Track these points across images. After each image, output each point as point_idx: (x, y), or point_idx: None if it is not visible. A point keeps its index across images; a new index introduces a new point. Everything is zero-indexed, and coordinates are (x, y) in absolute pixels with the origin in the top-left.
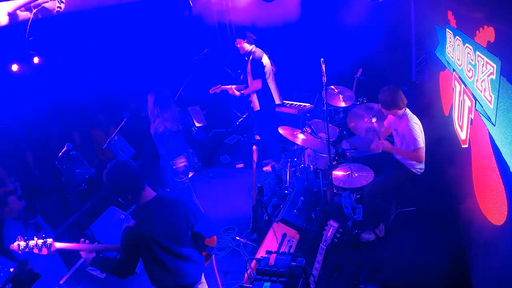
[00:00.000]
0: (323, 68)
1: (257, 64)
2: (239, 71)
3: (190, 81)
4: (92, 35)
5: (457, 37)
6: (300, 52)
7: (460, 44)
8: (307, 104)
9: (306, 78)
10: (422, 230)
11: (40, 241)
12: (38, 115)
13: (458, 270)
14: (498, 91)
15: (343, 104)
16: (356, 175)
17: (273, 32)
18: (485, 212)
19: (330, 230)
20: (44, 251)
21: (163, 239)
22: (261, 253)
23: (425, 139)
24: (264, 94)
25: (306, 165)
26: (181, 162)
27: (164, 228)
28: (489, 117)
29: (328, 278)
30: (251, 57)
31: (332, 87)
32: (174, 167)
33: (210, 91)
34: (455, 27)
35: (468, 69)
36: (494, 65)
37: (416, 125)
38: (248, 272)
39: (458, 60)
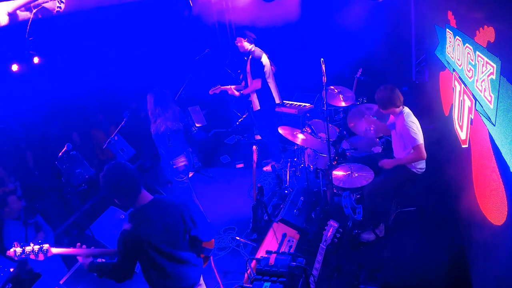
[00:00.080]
0: (323, 68)
1: (257, 63)
2: (239, 71)
3: (190, 81)
4: (92, 35)
5: (457, 37)
6: (300, 52)
7: (460, 44)
8: (307, 104)
9: (306, 78)
10: (422, 230)
11: (36, 247)
12: (38, 115)
13: (458, 270)
14: (498, 91)
15: (343, 104)
16: (356, 175)
17: (273, 32)
18: (485, 212)
19: (330, 230)
20: (41, 257)
21: (160, 243)
22: (261, 253)
23: (425, 139)
24: (264, 93)
25: (306, 165)
26: (181, 162)
27: (161, 231)
28: (489, 117)
29: (328, 278)
30: (250, 56)
31: (332, 87)
32: (174, 166)
33: (210, 92)
34: (455, 27)
35: (468, 69)
36: (494, 65)
37: (413, 123)
38: (248, 272)
39: (458, 60)
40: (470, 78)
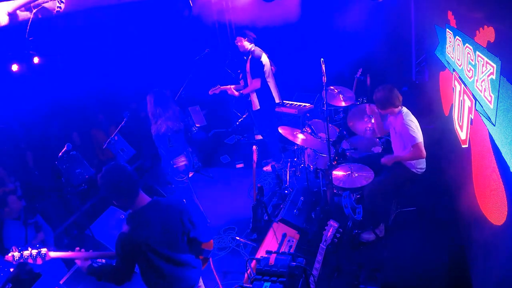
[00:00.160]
0: (323, 68)
1: (257, 63)
2: (239, 71)
3: (190, 81)
4: (92, 35)
5: (457, 37)
6: (300, 52)
7: (460, 44)
8: (307, 104)
9: (306, 78)
10: (422, 230)
11: (34, 251)
12: (38, 115)
13: (458, 270)
14: (498, 91)
15: (343, 104)
16: (356, 175)
17: (273, 32)
18: (485, 212)
19: (330, 230)
20: (39, 261)
21: (159, 245)
22: (261, 253)
23: (425, 139)
24: (263, 93)
25: (306, 165)
26: (181, 161)
27: (159, 233)
28: (489, 117)
29: (328, 278)
30: (250, 56)
31: (332, 87)
32: (174, 166)
33: (210, 92)
34: (455, 27)
35: (468, 69)
36: (494, 65)
37: (412, 122)
38: (248, 272)
39: (458, 60)
40: (470, 78)
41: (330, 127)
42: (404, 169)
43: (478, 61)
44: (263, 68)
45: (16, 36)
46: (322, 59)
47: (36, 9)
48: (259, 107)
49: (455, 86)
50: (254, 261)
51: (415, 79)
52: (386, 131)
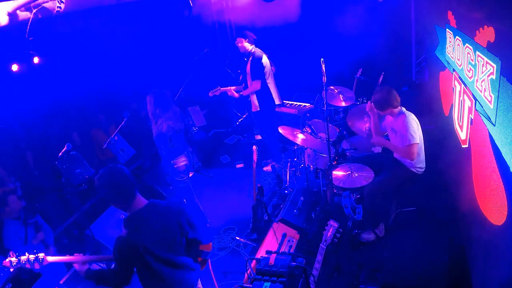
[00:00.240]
0: (323, 68)
1: (257, 64)
2: (239, 71)
3: (190, 81)
4: (92, 35)
5: (457, 37)
6: (300, 52)
7: (460, 44)
8: (307, 104)
9: (306, 78)
10: (422, 230)
11: (32, 256)
12: (38, 115)
13: (458, 270)
14: (498, 91)
15: (343, 104)
16: (356, 175)
17: (273, 32)
18: (485, 212)
19: (330, 230)
20: (36, 266)
21: (157, 248)
22: (261, 253)
23: (425, 139)
24: (263, 94)
25: (306, 165)
26: (181, 161)
27: (157, 236)
28: (489, 117)
29: (328, 278)
30: (250, 57)
31: (332, 87)
32: (175, 166)
33: (210, 94)
34: (455, 27)
35: (468, 69)
36: (494, 65)
37: (414, 121)
38: (248, 272)
39: (458, 60)
40: (470, 78)
41: (330, 127)
42: (404, 169)
43: (478, 61)
44: (264, 70)
45: (16, 36)
46: (322, 59)
47: (36, 9)
48: (259, 109)
49: (455, 86)
50: (254, 261)
51: (415, 79)
52: (383, 132)
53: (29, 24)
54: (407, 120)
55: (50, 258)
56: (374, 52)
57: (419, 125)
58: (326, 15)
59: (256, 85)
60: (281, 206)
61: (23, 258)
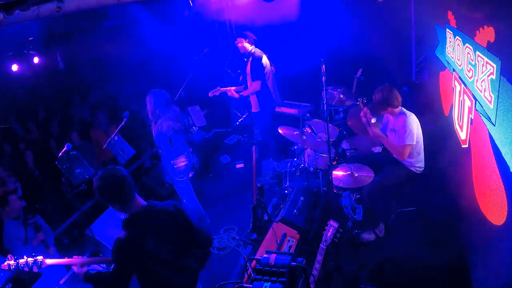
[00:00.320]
0: (323, 68)
1: (257, 65)
2: (239, 71)
3: (190, 81)
4: (92, 35)
5: (457, 37)
6: (300, 52)
7: (460, 44)
8: (307, 104)
9: (306, 78)
10: (422, 230)
11: (30, 259)
12: (38, 115)
13: (458, 270)
14: (498, 91)
15: (343, 104)
16: (356, 175)
17: (273, 31)
18: (485, 212)
19: (330, 230)
20: (35, 269)
21: (155, 250)
22: (261, 253)
23: (425, 139)
24: (263, 95)
25: (306, 165)
26: (182, 162)
27: (155, 238)
28: (489, 117)
29: (328, 278)
30: (250, 58)
31: (332, 87)
32: (175, 166)
33: (210, 94)
34: (455, 27)
35: (468, 69)
36: (494, 65)
37: (414, 122)
38: (248, 272)
39: (458, 60)
40: (470, 78)
41: (330, 127)
42: (403, 168)
43: (478, 61)
44: (264, 70)
45: (16, 36)
46: (322, 59)
47: (36, 9)
48: (259, 109)
49: (455, 86)
50: (254, 261)
51: (415, 79)
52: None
53: (29, 24)
54: (408, 121)
55: (49, 261)
56: (374, 52)
57: (419, 125)
58: (326, 15)
59: (256, 85)
60: (281, 206)
61: (21, 261)
